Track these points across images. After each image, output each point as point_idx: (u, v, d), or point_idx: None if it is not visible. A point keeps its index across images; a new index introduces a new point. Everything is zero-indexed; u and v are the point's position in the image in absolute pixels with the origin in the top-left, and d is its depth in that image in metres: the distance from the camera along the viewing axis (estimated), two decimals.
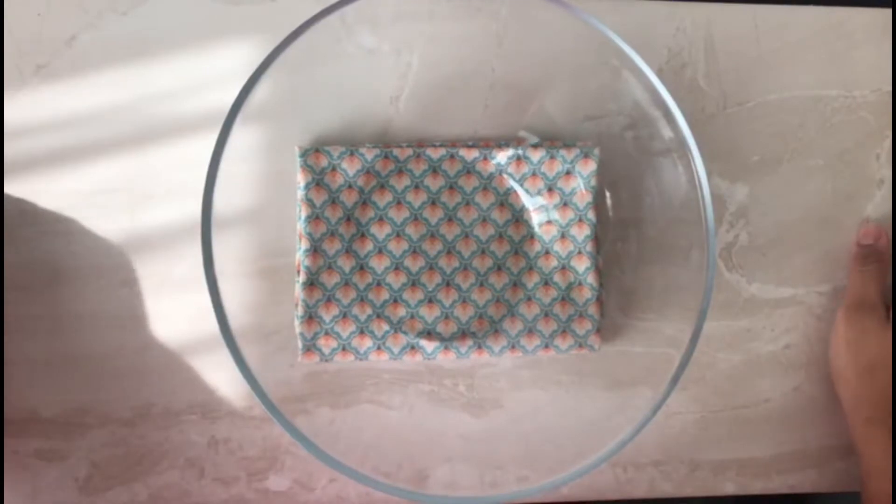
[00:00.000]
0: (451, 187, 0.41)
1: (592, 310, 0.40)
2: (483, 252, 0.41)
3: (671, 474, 0.43)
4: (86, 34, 0.40)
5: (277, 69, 0.34)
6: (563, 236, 0.41)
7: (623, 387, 0.41)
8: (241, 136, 0.34)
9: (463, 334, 0.40)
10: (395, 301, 0.40)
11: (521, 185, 0.41)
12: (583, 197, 0.40)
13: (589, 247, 0.40)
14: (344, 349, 0.39)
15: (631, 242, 0.41)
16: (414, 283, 0.40)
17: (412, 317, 0.40)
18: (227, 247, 0.37)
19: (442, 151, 0.40)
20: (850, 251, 0.43)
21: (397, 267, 0.40)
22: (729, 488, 0.43)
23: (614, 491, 0.42)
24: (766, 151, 0.44)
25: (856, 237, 0.43)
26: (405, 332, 0.40)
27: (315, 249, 0.39)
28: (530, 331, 0.40)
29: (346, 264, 0.39)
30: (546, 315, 0.40)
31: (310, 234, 0.39)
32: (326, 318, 0.39)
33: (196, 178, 0.40)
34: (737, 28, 0.44)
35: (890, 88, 0.44)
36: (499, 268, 0.41)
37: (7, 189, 0.39)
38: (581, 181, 0.40)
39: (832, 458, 0.44)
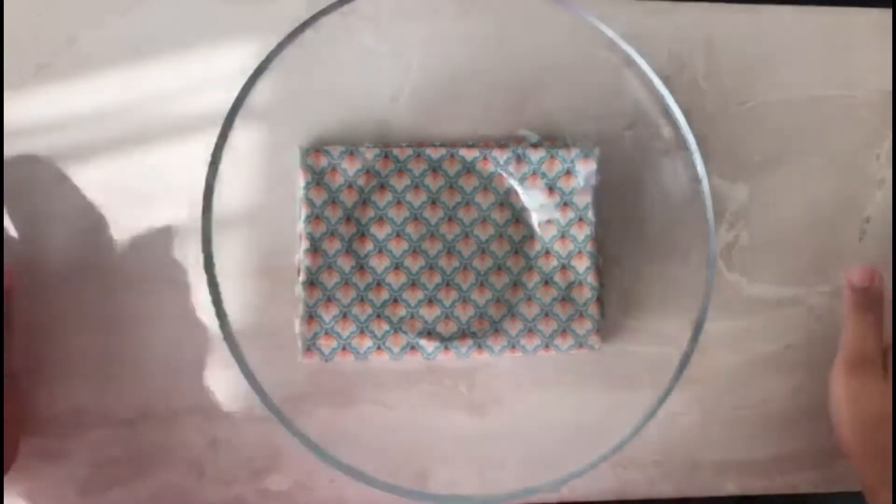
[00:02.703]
0: (451, 187, 0.41)
1: (592, 309, 0.40)
2: (483, 252, 0.41)
3: (672, 474, 0.43)
4: (86, 34, 0.40)
5: (277, 69, 0.34)
6: (563, 236, 0.41)
7: (623, 387, 0.41)
8: (241, 136, 0.34)
9: (463, 334, 0.40)
10: (395, 301, 0.40)
11: (521, 185, 0.41)
12: (583, 197, 0.40)
13: (589, 246, 0.40)
14: (344, 349, 0.39)
15: (631, 242, 0.41)
16: (414, 283, 0.40)
17: (412, 317, 0.40)
18: (227, 247, 0.37)
19: (442, 151, 0.40)
20: (845, 295, 0.40)
21: (397, 267, 0.40)
22: (729, 488, 0.43)
23: (614, 491, 0.42)
24: (766, 151, 0.44)
25: (848, 280, 0.39)
26: (405, 332, 0.40)
27: (315, 249, 0.39)
28: (530, 331, 0.40)
29: (346, 264, 0.39)
30: (546, 315, 0.40)
31: (310, 234, 0.39)
32: (326, 317, 0.39)
33: (196, 178, 0.40)
34: (737, 28, 0.44)
35: (890, 88, 0.44)
36: (499, 267, 0.41)
37: (7, 189, 0.39)
38: (581, 181, 0.40)
39: (832, 458, 0.44)
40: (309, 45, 0.34)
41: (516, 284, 0.41)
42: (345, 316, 0.39)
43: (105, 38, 0.40)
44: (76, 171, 0.40)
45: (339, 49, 0.39)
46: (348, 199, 0.39)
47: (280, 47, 0.33)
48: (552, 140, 0.41)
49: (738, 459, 0.43)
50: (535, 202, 0.41)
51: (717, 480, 0.43)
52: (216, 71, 0.40)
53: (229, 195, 0.35)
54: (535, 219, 0.41)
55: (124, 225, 0.40)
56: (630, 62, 0.36)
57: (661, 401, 0.35)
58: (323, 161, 0.39)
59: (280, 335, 0.39)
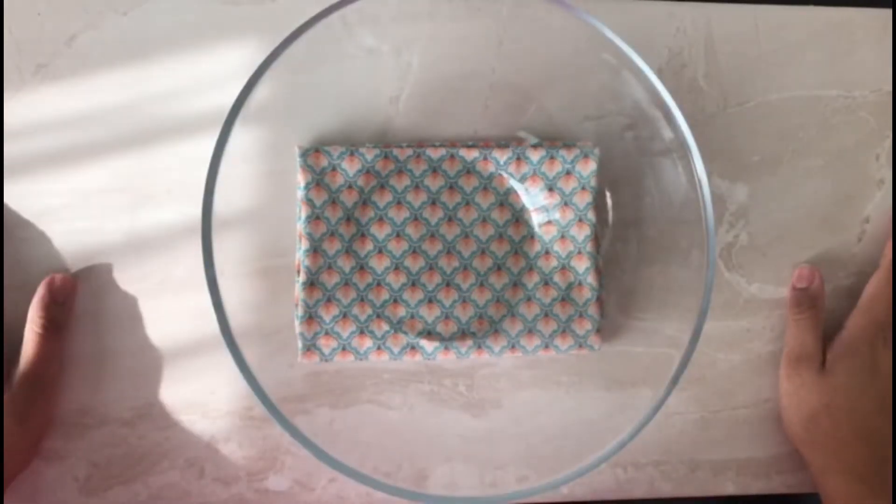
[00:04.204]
0: (451, 187, 0.41)
1: (592, 310, 0.40)
2: (483, 252, 0.41)
3: (671, 474, 0.43)
4: (86, 34, 0.40)
5: (278, 69, 0.34)
6: (562, 236, 0.41)
7: (623, 387, 0.41)
8: (241, 137, 0.34)
9: (463, 334, 0.40)
10: (395, 301, 0.40)
11: (521, 185, 0.41)
12: (583, 197, 0.40)
13: (589, 247, 0.40)
14: (344, 349, 0.39)
15: (631, 242, 0.41)
16: (414, 283, 0.40)
17: (412, 317, 0.40)
18: (227, 247, 0.37)
19: (442, 151, 0.40)
20: (788, 295, 0.43)
21: (397, 267, 0.40)
22: (728, 488, 0.43)
23: (614, 491, 0.42)
24: (766, 151, 0.44)
25: (792, 281, 0.43)
26: (405, 332, 0.40)
27: (315, 249, 0.39)
28: (530, 331, 0.40)
29: (346, 264, 0.39)
30: (546, 315, 0.40)
31: (310, 234, 0.39)
32: (326, 318, 0.39)
33: (196, 178, 0.40)
34: (737, 28, 0.44)
35: (890, 88, 0.44)
36: (499, 268, 0.41)
37: (7, 189, 0.39)
38: (581, 181, 0.40)
39: None
40: (309, 46, 0.34)
41: (516, 285, 0.41)
42: (345, 316, 0.39)
43: (105, 38, 0.40)
44: (76, 171, 0.40)
45: (339, 49, 0.39)
46: (348, 199, 0.39)
47: (281, 48, 0.33)
48: (552, 140, 0.41)
49: (737, 459, 0.43)
50: (535, 202, 0.41)
51: (716, 480, 0.43)
52: (216, 71, 0.40)
53: (229, 195, 0.35)
54: (534, 219, 0.41)
55: (124, 225, 0.40)
56: (630, 62, 0.36)
57: (662, 401, 0.35)
58: (323, 161, 0.39)
59: (280, 335, 0.40)
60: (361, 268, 0.40)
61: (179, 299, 0.40)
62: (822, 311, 0.42)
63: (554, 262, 0.41)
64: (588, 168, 0.40)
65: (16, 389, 0.36)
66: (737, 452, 0.43)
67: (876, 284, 0.42)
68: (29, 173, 0.39)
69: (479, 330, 0.40)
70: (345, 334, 0.39)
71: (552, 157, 0.40)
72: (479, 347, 0.40)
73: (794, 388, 0.41)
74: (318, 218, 0.39)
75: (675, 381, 0.35)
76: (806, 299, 0.42)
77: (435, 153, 0.40)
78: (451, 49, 0.41)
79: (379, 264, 0.40)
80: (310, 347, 0.39)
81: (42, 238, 0.39)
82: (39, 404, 0.37)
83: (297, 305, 0.39)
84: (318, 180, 0.39)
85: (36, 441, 0.38)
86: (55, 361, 0.38)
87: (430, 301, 0.40)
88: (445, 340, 0.40)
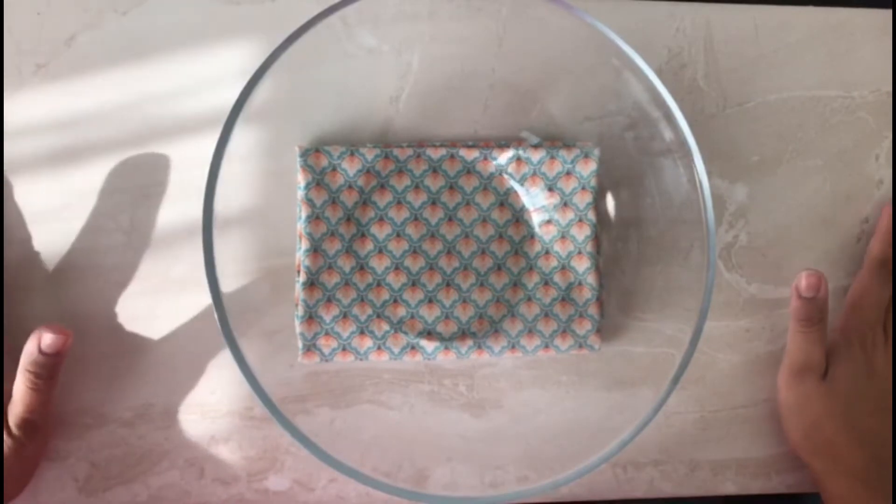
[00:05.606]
0: (452, 187, 0.41)
1: (592, 310, 0.40)
2: (483, 252, 0.41)
3: (671, 474, 0.43)
4: (86, 34, 0.40)
5: (278, 69, 0.34)
6: (563, 236, 0.41)
7: (623, 387, 0.41)
8: (241, 137, 0.34)
9: (463, 334, 0.40)
10: (396, 301, 0.40)
11: (521, 185, 0.41)
12: (583, 197, 0.40)
13: (589, 247, 0.40)
14: (344, 349, 0.39)
15: (631, 242, 0.41)
16: (414, 283, 0.40)
17: (412, 317, 0.40)
18: (228, 246, 0.37)
19: (442, 151, 0.40)
20: (791, 303, 0.41)
21: (397, 267, 0.40)
22: (728, 488, 0.43)
23: (614, 491, 0.42)
24: (765, 151, 0.44)
25: (796, 287, 0.40)
26: (405, 332, 0.40)
27: (315, 249, 0.39)
28: (530, 331, 0.40)
29: (346, 264, 0.39)
30: (546, 315, 0.41)
31: (310, 234, 0.39)
32: (326, 318, 0.39)
33: (196, 178, 0.40)
34: (737, 28, 0.44)
35: (889, 89, 0.44)
36: (499, 268, 0.41)
37: (7, 189, 0.39)
38: (581, 181, 0.40)
39: None
40: (309, 46, 0.34)
41: (516, 285, 0.41)
42: (345, 316, 0.39)
43: (105, 38, 0.40)
44: (76, 172, 0.40)
45: (339, 49, 0.39)
46: (348, 199, 0.39)
47: (281, 48, 0.33)
48: (552, 140, 0.41)
49: (737, 459, 0.43)
50: (535, 202, 0.41)
51: (715, 480, 0.43)
52: (216, 71, 0.40)
53: (229, 195, 0.35)
54: (534, 219, 0.41)
55: (124, 225, 0.40)
56: (630, 62, 0.36)
57: (662, 401, 0.35)
58: (323, 161, 0.39)
59: (280, 335, 0.40)
60: (361, 268, 0.40)
61: (179, 299, 0.40)
62: (827, 321, 0.41)
63: (554, 262, 0.41)
64: (588, 168, 0.40)
65: (11, 430, 0.36)
66: (736, 452, 0.43)
67: (860, 284, 0.42)
68: (29, 173, 0.39)
69: (479, 330, 0.40)
70: (345, 334, 0.39)
71: (552, 158, 0.40)
72: (480, 347, 0.40)
73: (795, 398, 0.41)
74: (318, 218, 0.39)
75: (675, 381, 0.35)
76: (815, 311, 0.40)
77: (435, 153, 0.40)
78: (451, 49, 0.41)
79: (379, 264, 0.40)
80: (310, 347, 0.39)
81: (42, 238, 0.39)
82: (30, 446, 0.37)
83: (297, 305, 0.39)
84: (318, 180, 0.39)
85: (30, 471, 0.38)
86: (45, 408, 0.37)
87: (430, 301, 0.40)
88: (445, 340, 0.40)
